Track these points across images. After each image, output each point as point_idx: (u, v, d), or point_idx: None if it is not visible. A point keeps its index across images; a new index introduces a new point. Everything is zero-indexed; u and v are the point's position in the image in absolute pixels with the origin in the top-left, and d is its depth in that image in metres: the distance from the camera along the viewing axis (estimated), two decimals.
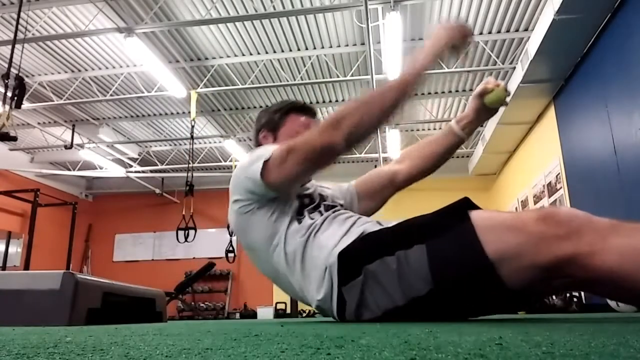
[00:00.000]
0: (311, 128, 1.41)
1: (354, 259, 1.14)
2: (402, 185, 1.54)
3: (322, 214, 1.29)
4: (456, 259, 1.02)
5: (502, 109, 1.44)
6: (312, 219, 1.27)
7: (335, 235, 1.21)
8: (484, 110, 1.41)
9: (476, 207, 1.09)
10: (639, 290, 0.87)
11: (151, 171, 9.15)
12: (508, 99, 1.39)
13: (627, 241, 0.86)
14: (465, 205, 1.09)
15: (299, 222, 1.26)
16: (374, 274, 1.10)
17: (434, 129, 7.98)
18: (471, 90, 6.68)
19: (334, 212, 1.31)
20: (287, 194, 1.28)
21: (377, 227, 1.23)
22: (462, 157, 8.85)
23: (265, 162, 1.19)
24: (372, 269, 1.10)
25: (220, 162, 8.85)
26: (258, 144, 1.48)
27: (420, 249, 1.05)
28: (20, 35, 4.23)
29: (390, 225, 1.22)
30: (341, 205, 1.40)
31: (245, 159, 1.29)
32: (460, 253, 1.02)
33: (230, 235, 7.42)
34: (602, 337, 0.53)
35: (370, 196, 1.54)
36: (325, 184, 1.51)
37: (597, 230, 0.88)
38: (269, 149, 1.23)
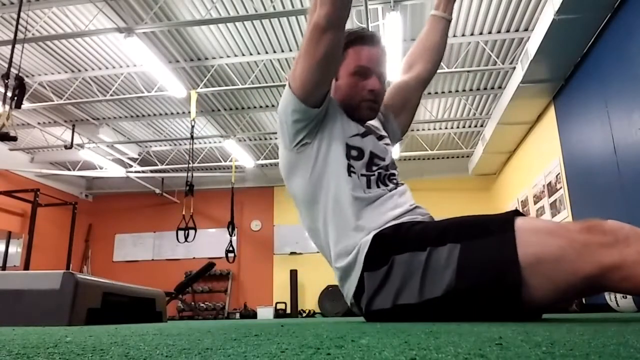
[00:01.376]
0: (378, 60, 1.35)
1: (386, 246, 1.12)
2: (427, 82, 1.55)
3: (377, 187, 1.25)
4: (485, 262, 0.99)
5: None
6: (369, 187, 1.23)
7: (382, 217, 1.19)
8: None
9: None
10: None
11: (151, 171, 9.15)
12: None
13: None
14: (514, 215, 1.05)
15: (349, 174, 1.23)
16: (400, 266, 1.09)
17: (434, 129, 7.98)
18: (471, 90, 6.69)
19: (390, 189, 1.26)
20: (325, 107, 1.24)
21: (422, 219, 1.21)
22: (462, 157, 8.86)
23: (288, 83, 1.21)
24: (399, 260, 1.09)
25: (220, 162, 8.85)
26: None
27: (454, 247, 1.03)
28: (20, 35, 4.22)
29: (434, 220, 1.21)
30: (395, 170, 1.36)
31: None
32: (491, 257, 0.99)
33: (230, 235, 7.42)
34: (602, 337, 0.53)
35: (404, 106, 1.53)
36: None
37: None
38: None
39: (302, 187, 1.27)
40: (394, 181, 1.31)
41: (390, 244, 1.12)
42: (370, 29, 4.57)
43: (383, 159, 1.31)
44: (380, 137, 1.38)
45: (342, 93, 1.32)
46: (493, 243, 1.00)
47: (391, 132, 1.48)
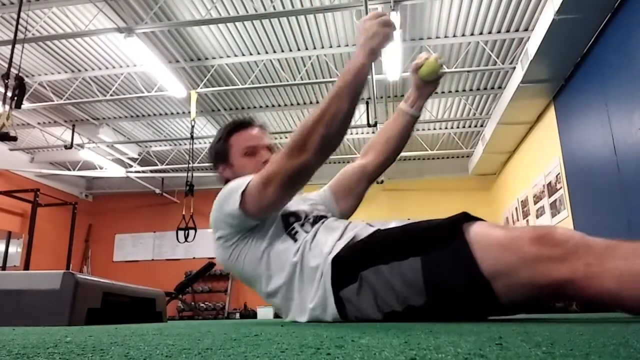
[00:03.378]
0: (259, 136, 1.47)
1: (349, 265, 1.14)
2: (373, 175, 1.54)
3: (313, 226, 1.31)
4: (451, 275, 1.02)
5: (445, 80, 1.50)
6: (306, 232, 1.28)
7: (327, 242, 1.22)
8: (424, 84, 1.44)
9: (474, 219, 1.08)
10: (638, 310, 0.87)
11: (151, 171, 9.15)
12: (443, 69, 1.43)
13: (625, 265, 0.85)
14: (462, 220, 1.07)
15: (294, 239, 1.27)
16: (370, 280, 1.10)
17: (434, 129, 7.98)
18: (471, 90, 6.69)
19: (323, 222, 1.32)
20: (269, 219, 1.30)
21: (370, 231, 1.23)
22: (462, 157, 8.85)
23: (243, 193, 1.22)
24: (366, 275, 1.10)
25: None
26: (224, 179, 1.49)
27: (416, 261, 1.05)
28: (20, 35, 4.22)
29: (382, 227, 1.22)
30: (327, 213, 1.43)
31: (221, 194, 1.32)
32: (456, 270, 1.01)
33: None
34: (602, 337, 0.53)
35: (347, 194, 1.55)
36: (303, 195, 1.52)
37: (594, 253, 0.87)
38: (243, 181, 1.25)
39: (251, 270, 1.31)
40: (325, 218, 1.37)
41: (352, 261, 1.14)
42: None
43: (310, 213, 1.38)
44: (305, 200, 1.47)
45: (240, 175, 1.38)
46: (452, 259, 1.02)
47: (328, 207, 1.52)
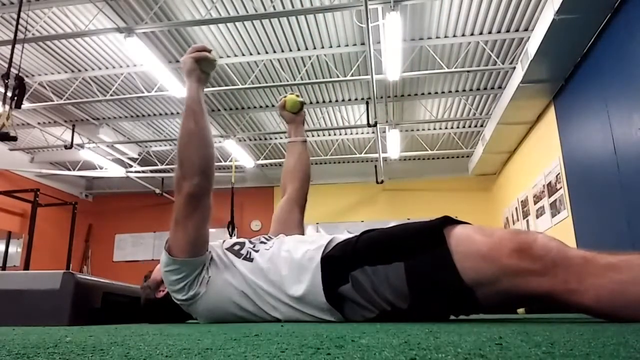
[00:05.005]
0: None
1: (338, 266, 1.14)
2: (300, 201, 1.67)
3: (267, 241, 1.34)
4: (434, 282, 1.04)
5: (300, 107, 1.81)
6: (266, 249, 1.29)
7: (299, 248, 1.22)
8: (294, 115, 1.77)
9: (456, 222, 1.09)
10: (617, 321, 0.88)
11: (151, 171, 9.15)
12: (301, 99, 1.79)
13: (602, 282, 0.86)
14: (443, 224, 1.08)
15: (250, 260, 1.26)
16: (358, 283, 1.11)
17: (434, 129, 7.98)
18: (471, 90, 6.68)
19: (278, 238, 1.36)
20: (206, 253, 1.28)
21: (347, 236, 1.25)
22: (462, 157, 8.85)
23: (166, 247, 1.25)
24: (357, 276, 1.12)
25: (220, 162, 8.85)
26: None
27: (399, 267, 1.07)
28: (20, 35, 4.22)
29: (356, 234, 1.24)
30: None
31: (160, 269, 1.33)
32: (439, 278, 1.03)
33: (230, 235, 7.43)
34: (602, 337, 0.53)
35: (287, 226, 1.59)
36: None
37: (572, 268, 0.89)
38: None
39: (235, 305, 1.27)
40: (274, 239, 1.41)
41: (341, 262, 1.15)
42: (370, 29, 4.59)
43: (255, 239, 1.41)
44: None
45: None
46: (434, 265, 1.04)
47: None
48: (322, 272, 1.15)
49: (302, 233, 1.60)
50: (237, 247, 1.33)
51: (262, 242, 1.36)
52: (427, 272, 1.05)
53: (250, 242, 1.37)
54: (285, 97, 1.76)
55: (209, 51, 1.42)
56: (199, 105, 1.32)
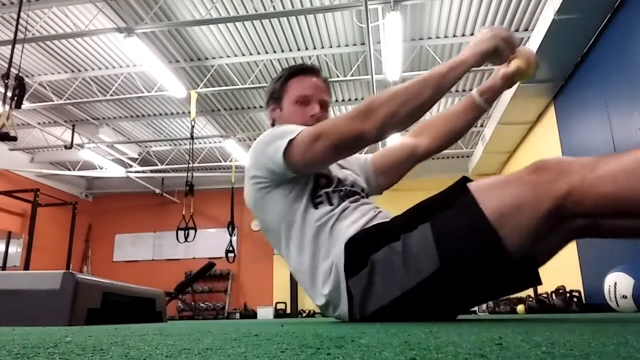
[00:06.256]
0: (317, 88, 1.40)
1: (360, 249, 1.13)
2: (422, 158, 1.49)
3: (341, 202, 1.26)
4: (458, 227, 1.04)
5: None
6: (331, 204, 1.25)
7: (350, 228, 1.20)
8: (508, 82, 1.33)
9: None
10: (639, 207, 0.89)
11: (151, 171, 9.15)
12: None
13: (615, 165, 0.90)
14: (464, 180, 1.11)
15: (316, 206, 1.24)
16: (381, 262, 1.10)
17: None
18: (471, 90, 6.67)
19: (353, 201, 1.28)
20: (306, 175, 1.26)
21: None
22: (462, 157, 8.85)
23: (291, 142, 1.17)
24: (378, 258, 1.10)
25: (220, 162, 8.85)
26: (272, 119, 1.45)
27: (425, 227, 1.07)
28: (20, 35, 4.22)
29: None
30: (362, 191, 1.38)
31: (267, 134, 1.26)
32: (462, 220, 1.03)
33: (230, 235, 7.42)
34: (602, 337, 0.53)
35: (389, 171, 1.52)
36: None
37: (584, 165, 0.92)
38: (293, 129, 1.20)
39: (272, 222, 1.30)
40: (358, 197, 1.33)
41: (363, 245, 1.14)
42: (370, 29, 4.59)
43: (344, 181, 1.34)
44: (342, 167, 1.43)
45: (286, 121, 1.37)
46: (458, 210, 1.05)
47: (367, 177, 1.50)
48: (345, 255, 1.14)
49: (395, 183, 1.54)
50: (322, 181, 1.29)
51: (343, 194, 1.29)
52: (452, 219, 1.05)
53: (338, 182, 1.31)
54: (530, 59, 1.26)
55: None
56: (453, 80, 1.14)
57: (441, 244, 1.03)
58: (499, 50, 1.17)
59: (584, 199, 0.91)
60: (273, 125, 1.44)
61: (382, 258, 1.10)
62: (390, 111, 1.12)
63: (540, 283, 1.11)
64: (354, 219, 1.22)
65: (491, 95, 1.38)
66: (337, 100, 6.97)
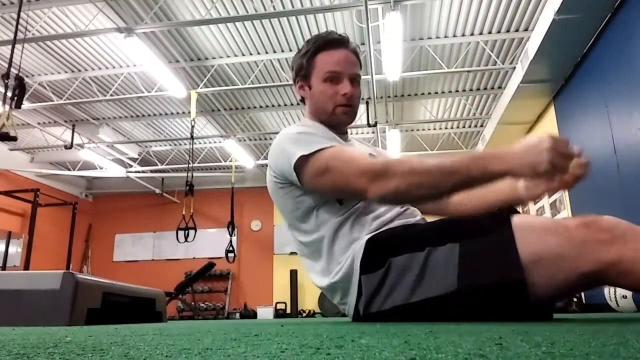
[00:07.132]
0: (348, 62, 1.30)
1: (382, 249, 1.13)
2: (440, 211, 1.40)
3: None
4: (487, 260, 0.99)
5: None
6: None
7: (373, 223, 1.19)
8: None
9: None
10: None
11: (151, 171, 9.15)
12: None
13: None
14: (509, 212, 1.05)
15: (340, 202, 1.22)
16: (398, 268, 1.08)
17: (434, 129, 7.98)
18: (471, 90, 6.68)
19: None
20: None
21: (415, 221, 1.22)
22: None
23: (303, 157, 1.15)
24: (397, 262, 1.09)
25: (220, 162, 8.85)
26: (300, 96, 1.40)
27: (454, 247, 1.03)
28: (20, 35, 4.22)
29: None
30: None
31: (291, 132, 1.23)
32: (493, 255, 0.99)
33: (230, 235, 7.42)
34: (602, 337, 0.53)
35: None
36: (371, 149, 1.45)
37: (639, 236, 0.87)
38: (315, 143, 1.16)
39: (290, 207, 1.28)
40: None
41: (385, 246, 1.13)
42: (370, 29, 4.59)
43: None
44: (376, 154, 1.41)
45: (316, 101, 1.32)
46: (493, 242, 1.00)
47: None
48: (364, 251, 1.14)
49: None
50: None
51: None
52: (483, 249, 0.99)
53: None
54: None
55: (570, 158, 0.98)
56: (476, 184, 1.00)
57: (464, 270, 1.00)
58: (554, 168, 0.93)
59: (630, 274, 0.86)
60: (303, 101, 1.39)
61: (400, 264, 1.08)
62: (402, 187, 1.05)
63: (551, 319, 1.08)
64: (380, 212, 1.22)
65: (533, 196, 1.23)
66: None
